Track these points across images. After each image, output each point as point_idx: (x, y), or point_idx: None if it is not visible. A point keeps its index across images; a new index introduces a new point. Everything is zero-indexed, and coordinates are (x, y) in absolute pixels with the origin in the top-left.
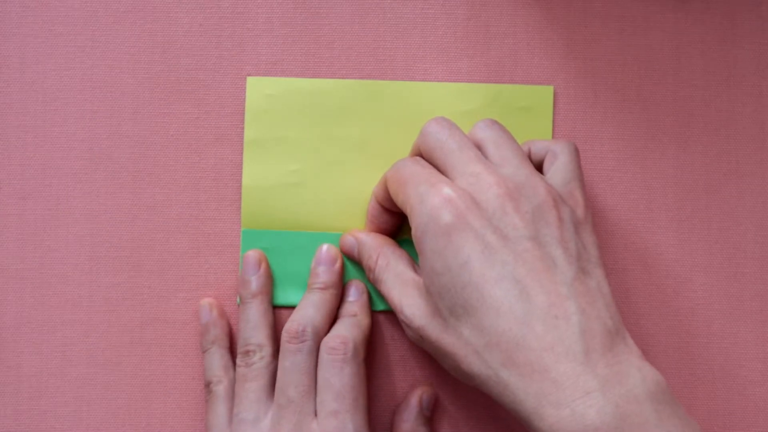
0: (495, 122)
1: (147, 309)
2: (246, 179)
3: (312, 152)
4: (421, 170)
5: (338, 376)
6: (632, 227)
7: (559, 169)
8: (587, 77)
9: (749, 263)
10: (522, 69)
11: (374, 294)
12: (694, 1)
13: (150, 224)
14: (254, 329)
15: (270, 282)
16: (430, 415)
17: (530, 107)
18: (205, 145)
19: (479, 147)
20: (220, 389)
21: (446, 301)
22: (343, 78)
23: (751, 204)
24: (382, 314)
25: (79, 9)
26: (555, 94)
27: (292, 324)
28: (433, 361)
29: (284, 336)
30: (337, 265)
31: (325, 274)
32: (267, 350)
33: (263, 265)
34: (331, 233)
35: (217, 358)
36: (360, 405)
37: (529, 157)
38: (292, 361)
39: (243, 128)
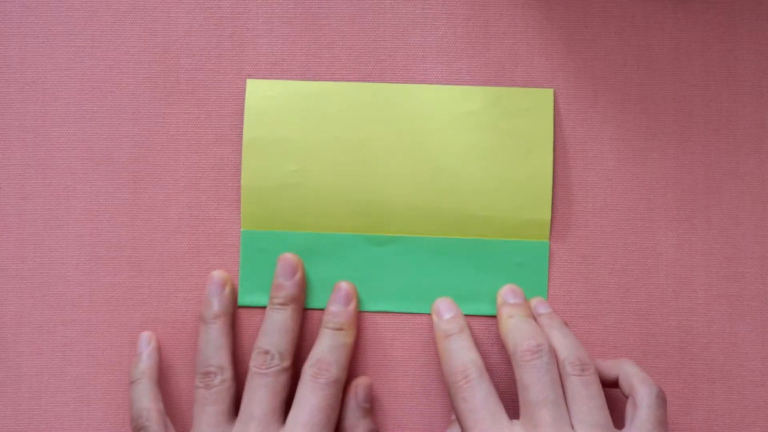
0: (592, 381)
1: (147, 309)
2: (245, 180)
3: (311, 153)
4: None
5: (317, 395)
6: (632, 227)
7: (637, 427)
8: (587, 77)
9: (749, 263)
10: (522, 69)
11: (368, 294)
12: (694, 1)
13: (150, 224)
14: (216, 351)
15: (232, 305)
16: (369, 406)
17: (531, 109)
18: (205, 145)
19: (566, 396)
20: (151, 424)
21: None
22: (343, 78)
23: (751, 204)
24: (383, 314)
25: (79, 9)
26: (555, 95)
27: (259, 352)
28: (432, 361)
29: (252, 362)
30: (298, 275)
31: (286, 289)
32: (228, 373)
33: (227, 288)
34: (331, 234)
35: (147, 389)
36: (331, 424)
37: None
38: (259, 383)
39: (243, 129)
